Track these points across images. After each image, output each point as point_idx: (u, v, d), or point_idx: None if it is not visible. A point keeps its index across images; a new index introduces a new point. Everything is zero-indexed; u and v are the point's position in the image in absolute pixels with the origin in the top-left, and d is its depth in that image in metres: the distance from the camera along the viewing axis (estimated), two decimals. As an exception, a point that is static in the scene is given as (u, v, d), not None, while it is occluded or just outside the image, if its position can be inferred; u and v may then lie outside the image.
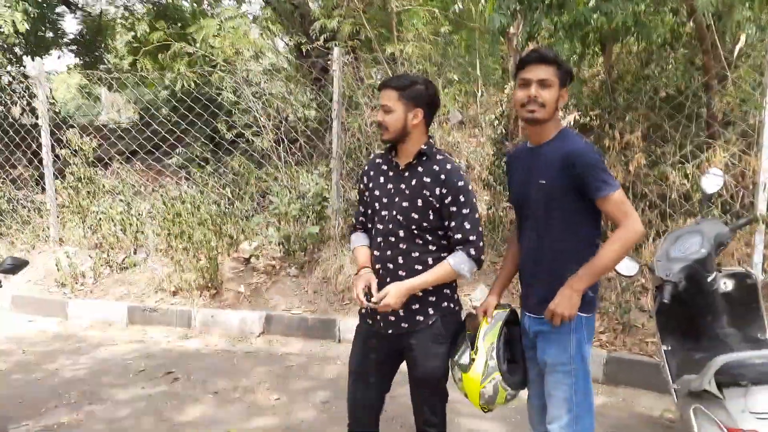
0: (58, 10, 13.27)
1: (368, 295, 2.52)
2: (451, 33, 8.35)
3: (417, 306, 2.55)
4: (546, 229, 2.37)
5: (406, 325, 2.57)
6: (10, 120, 7.79)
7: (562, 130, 2.41)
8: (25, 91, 7.44)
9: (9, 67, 9.81)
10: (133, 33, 13.63)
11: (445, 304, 2.60)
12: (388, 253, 2.56)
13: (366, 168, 2.77)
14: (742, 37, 4.71)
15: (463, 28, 7.68)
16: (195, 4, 12.32)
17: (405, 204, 2.53)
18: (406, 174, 2.57)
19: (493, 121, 6.18)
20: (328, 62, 6.25)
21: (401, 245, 2.54)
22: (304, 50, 7.02)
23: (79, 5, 14.66)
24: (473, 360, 2.43)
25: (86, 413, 4.02)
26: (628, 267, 2.94)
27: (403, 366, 2.71)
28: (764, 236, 4.46)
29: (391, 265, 2.55)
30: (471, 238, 2.50)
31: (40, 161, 7.42)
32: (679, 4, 5.00)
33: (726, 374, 2.27)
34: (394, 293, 2.45)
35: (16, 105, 7.33)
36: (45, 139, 7.19)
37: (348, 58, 6.19)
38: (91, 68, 12.77)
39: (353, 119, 6.18)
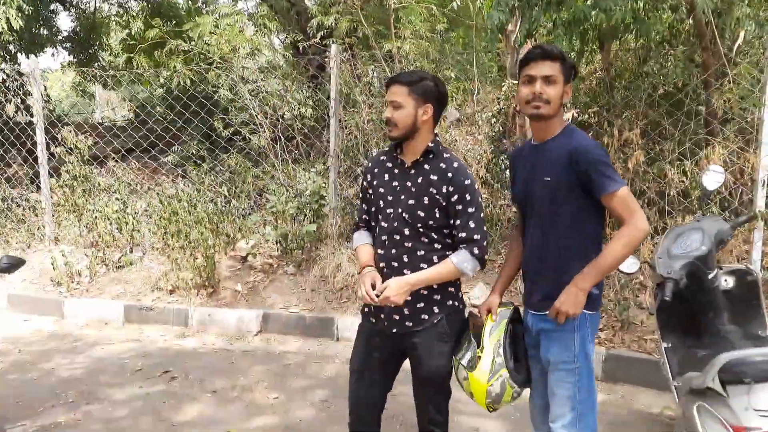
0: (52, 7, 13.21)
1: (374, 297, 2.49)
2: (447, 30, 8.34)
3: (422, 305, 2.53)
4: (551, 226, 2.36)
5: (411, 324, 2.55)
6: (5, 118, 7.73)
7: (567, 126, 2.40)
8: (19, 89, 7.37)
9: (3, 65, 9.74)
10: (127, 30, 13.59)
11: (450, 302, 2.59)
12: (393, 251, 2.53)
13: (369, 165, 2.74)
14: (741, 34, 4.70)
15: (460, 25, 7.66)
16: (190, 2, 12.29)
17: (411, 202, 2.51)
18: (413, 172, 2.54)
19: (490, 118, 6.17)
20: (325, 59, 6.22)
21: (406, 243, 2.51)
22: (300, 47, 6.98)
23: (73, 2, 14.58)
24: (479, 358, 2.41)
25: (83, 413, 3.99)
26: (629, 264, 2.94)
27: (404, 365, 2.69)
28: (763, 233, 4.45)
29: (396, 264, 2.52)
30: (475, 237, 2.48)
31: (35, 159, 7.37)
32: (678, 1, 4.99)
33: (729, 372, 2.26)
34: (394, 287, 2.42)
35: (10, 103, 7.25)
36: (40, 137, 7.14)
37: (345, 55, 6.16)
38: (86, 66, 12.72)
39: (351, 117, 6.15)
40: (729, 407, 2.25)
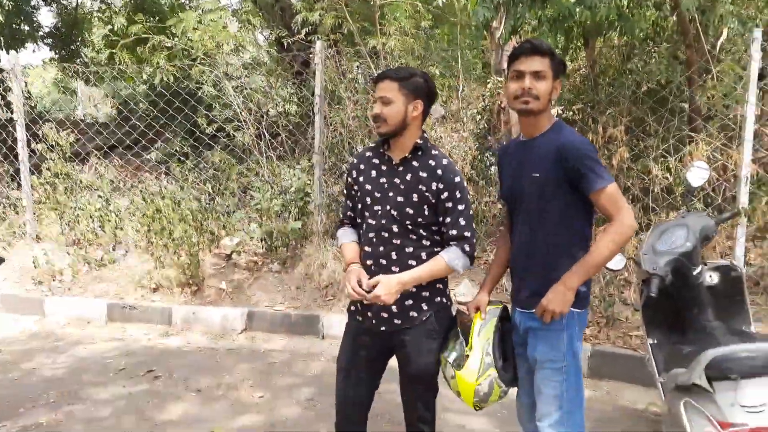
0: (33, 2, 13.00)
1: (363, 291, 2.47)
2: (432, 27, 8.32)
3: (411, 302, 2.52)
4: (539, 222, 2.34)
5: (400, 322, 2.53)
6: (-15, 114, 7.60)
7: (555, 122, 2.38)
8: (-1, 85, 7.25)
9: (-18, 61, 9.56)
10: (110, 26, 13.41)
11: (438, 299, 2.57)
12: (381, 248, 2.51)
13: (354, 162, 2.70)
14: (725, 32, 4.73)
15: (445, 22, 7.65)
16: (173, -3, 12.15)
17: (400, 199, 2.48)
18: (401, 168, 2.52)
19: (475, 115, 6.16)
20: (310, 56, 6.17)
21: (395, 240, 2.49)
22: (285, 44, 6.92)
23: (55, -2, 14.38)
24: (467, 357, 2.39)
25: (65, 413, 3.93)
26: (615, 261, 2.94)
27: (391, 362, 2.67)
28: (746, 229, 4.49)
29: (384, 261, 2.50)
30: (466, 234, 2.48)
31: (16, 156, 7.25)
32: (662, -1, 5.03)
33: (715, 368, 2.26)
34: (385, 285, 2.39)
35: (-10, 99, 7.14)
36: (20, 134, 7.02)
37: (330, 51, 6.12)
38: (68, 62, 12.53)
39: (336, 114, 6.11)
40: (715, 403, 2.25)
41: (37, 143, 7.06)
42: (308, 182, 5.91)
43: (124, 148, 7.53)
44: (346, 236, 2.70)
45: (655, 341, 3.00)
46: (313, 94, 6.03)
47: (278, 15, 7.97)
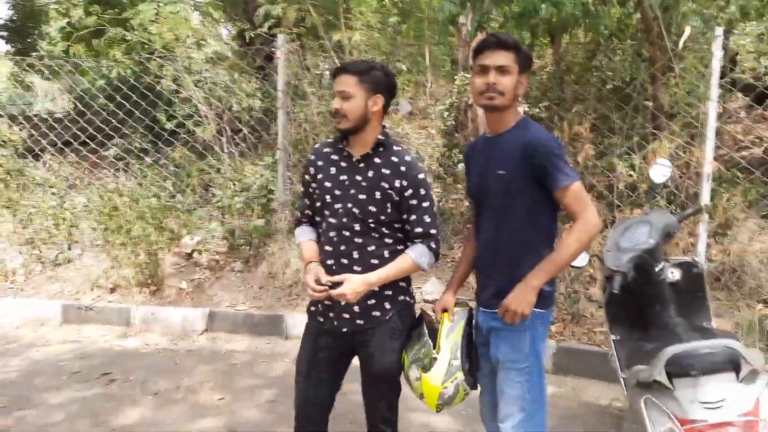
0: (-14, -7, 12.58)
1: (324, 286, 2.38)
2: (401, 23, 8.27)
3: (373, 301, 2.45)
4: (505, 219, 2.29)
5: (362, 322, 2.46)
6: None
7: (522, 118, 2.33)
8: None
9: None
10: (68, 19, 13.03)
11: (402, 297, 2.52)
12: (342, 248, 2.43)
13: (312, 158, 2.61)
14: (687, 29, 4.77)
15: (411, 17, 7.59)
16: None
17: (362, 196, 2.41)
18: (362, 165, 2.45)
19: (443, 112, 6.11)
20: (272, 50, 6.04)
21: (356, 239, 2.42)
22: (246, 37, 6.77)
23: (10, -11, 13.94)
24: (434, 359, 2.33)
25: (16, 419, 3.78)
26: (579, 258, 2.88)
27: (353, 362, 2.61)
28: (708, 226, 4.53)
29: (345, 261, 2.43)
30: (431, 231, 2.44)
31: (-35, 152, 6.99)
32: (626, -4, 5.04)
33: (676, 365, 2.26)
34: (352, 284, 2.32)
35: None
36: (-30, 129, 6.77)
37: (293, 45, 6.01)
38: (23, 55, 12.13)
39: (299, 109, 6.01)
40: (675, 400, 2.24)
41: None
42: (271, 179, 5.78)
43: (81, 143, 7.28)
44: (304, 234, 2.62)
45: (618, 338, 2.99)
46: (275, 89, 5.91)
47: (241, 8, 7.81)
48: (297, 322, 5.04)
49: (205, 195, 6.53)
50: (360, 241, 2.42)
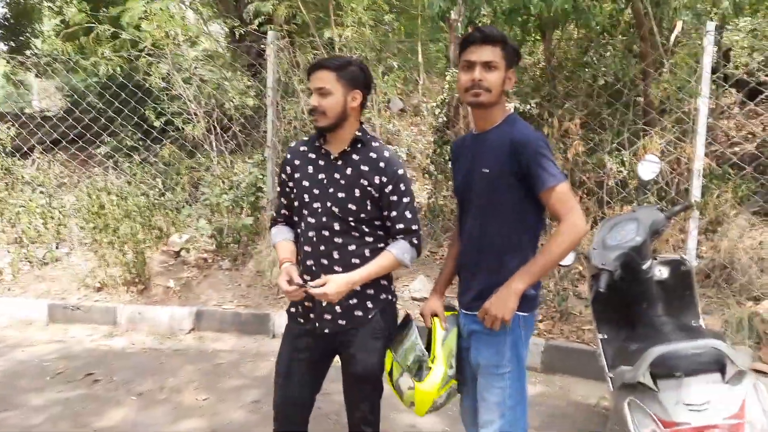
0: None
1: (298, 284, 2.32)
2: (395, 19, 8.20)
3: (355, 301, 2.40)
4: (489, 218, 2.22)
5: (344, 322, 2.41)
6: None
7: (509, 115, 2.26)
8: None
9: None
10: (61, 17, 12.95)
11: (384, 296, 2.47)
12: (322, 248, 2.38)
13: (288, 157, 2.55)
14: (679, 24, 4.72)
15: (403, 13, 7.53)
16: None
17: (341, 195, 2.36)
18: (340, 163, 2.40)
19: (434, 108, 6.05)
20: (262, 47, 5.98)
21: (336, 239, 2.37)
22: (237, 34, 6.70)
23: (3, -14, 13.85)
24: (430, 368, 2.25)
25: (-4, 421, 3.71)
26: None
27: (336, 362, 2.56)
28: (698, 222, 4.48)
29: (325, 261, 2.37)
30: (413, 227, 2.40)
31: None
32: (617, -9, 4.99)
33: (660, 366, 2.21)
34: (336, 285, 2.26)
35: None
36: (-43, 127, 6.71)
37: (284, 42, 5.94)
38: (17, 54, 12.05)
39: (289, 106, 5.94)
40: (659, 402, 2.19)
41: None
42: (260, 177, 5.72)
43: (68, 141, 7.22)
44: (280, 234, 2.57)
45: (606, 336, 2.94)
46: (265, 87, 5.85)
47: (232, 5, 7.74)
48: (284, 320, 4.84)
49: (195, 193, 6.47)
50: (340, 240, 2.37)
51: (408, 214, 2.39)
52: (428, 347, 2.34)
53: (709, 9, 4.91)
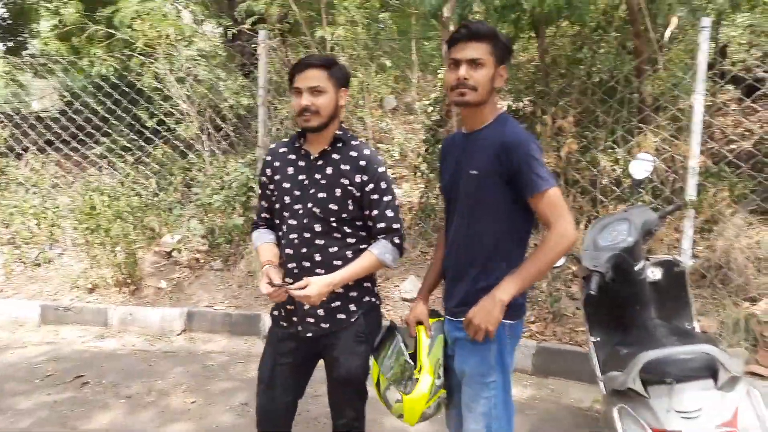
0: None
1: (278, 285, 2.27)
2: (392, 18, 8.13)
3: (338, 303, 2.36)
4: (476, 221, 2.14)
5: (328, 326, 2.37)
6: None
7: (500, 114, 2.17)
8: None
9: None
10: (59, 17, 12.90)
11: (367, 298, 2.44)
12: (304, 250, 2.33)
13: (268, 159, 2.51)
14: (674, 20, 4.65)
15: (400, 12, 7.47)
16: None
17: (322, 195, 2.32)
18: (320, 163, 2.36)
19: (427, 107, 5.99)
20: (254, 47, 5.92)
21: (318, 241, 2.32)
22: (230, 34, 6.65)
23: (0, -14, 13.80)
24: (417, 379, 2.19)
25: (-18, 425, 3.67)
26: (554, 260, 2.79)
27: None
28: (694, 221, 4.42)
29: (307, 264, 2.33)
30: (394, 226, 2.36)
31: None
32: (611, -14, 4.92)
33: (651, 371, 2.15)
34: (316, 287, 2.22)
35: None
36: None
37: (276, 42, 5.89)
38: (15, 54, 11.99)
39: (281, 105, 5.89)
40: (650, 409, 2.13)
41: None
42: (252, 177, 5.67)
43: (62, 142, 7.17)
44: (262, 237, 2.53)
45: (598, 339, 2.88)
46: (257, 86, 5.79)
47: (225, 4, 7.67)
48: (275, 322, 4.94)
49: (188, 193, 6.41)
50: (322, 242, 2.33)
51: (389, 213, 2.35)
52: (415, 355, 2.28)
53: (704, 5, 4.84)
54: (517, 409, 3.60)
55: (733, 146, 5.18)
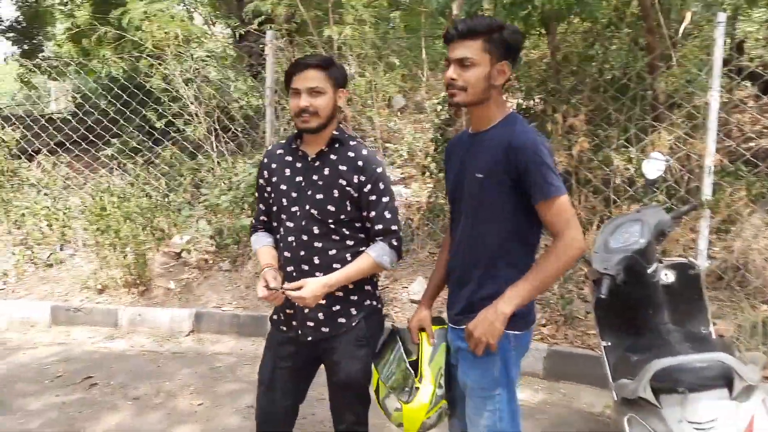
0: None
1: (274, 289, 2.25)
2: (403, 16, 8.07)
3: (338, 307, 2.33)
4: (481, 225, 2.04)
5: (328, 330, 2.34)
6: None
7: (509, 115, 2.06)
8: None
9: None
10: (73, 19, 13.01)
11: (368, 302, 2.39)
12: (302, 253, 2.30)
13: (265, 161, 2.48)
14: (688, 16, 4.54)
15: (410, 11, 7.42)
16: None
17: (319, 196, 2.28)
18: (318, 164, 2.32)
19: (436, 105, 5.93)
20: (261, 47, 5.90)
21: (316, 243, 2.29)
22: (237, 34, 6.64)
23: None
24: (417, 388, 2.13)
25: (-10, 425, 3.68)
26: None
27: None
28: (710, 222, 4.32)
29: (306, 267, 2.29)
30: (392, 228, 2.31)
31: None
32: (623, -19, 4.83)
33: (663, 380, 2.07)
34: (311, 288, 2.18)
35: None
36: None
37: (283, 42, 5.86)
38: (30, 57, 12.11)
39: (289, 106, 5.85)
40: (662, 419, 2.04)
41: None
42: (259, 177, 5.65)
43: (72, 143, 7.22)
44: (260, 240, 2.50)
45: (609, 343, 2.80)
46: (264, 86, 5.77)
47: (234, 4, 7.65)
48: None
49: (197, 194, 6.41)
50: (320, 245, 2.29)
51: (387, 215, 2.30)
52: (417, 363, 2.22)
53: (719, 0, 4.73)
54: (527, 414, 3.57)
55: (750, 144, 5.07)
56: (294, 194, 2.33)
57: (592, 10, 4.45)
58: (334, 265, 2.28)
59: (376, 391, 2.31)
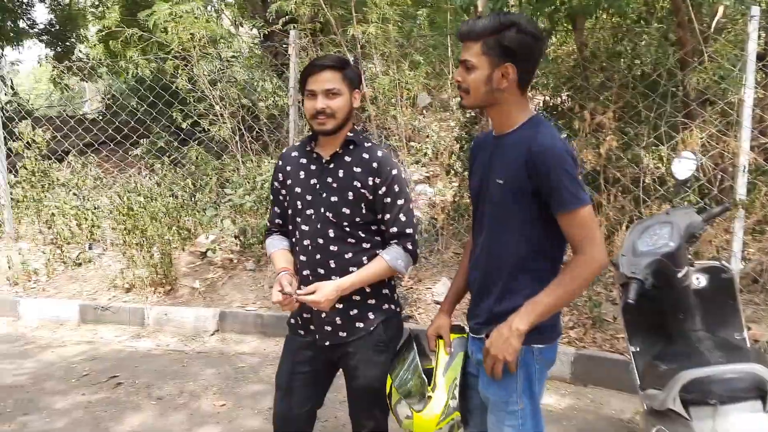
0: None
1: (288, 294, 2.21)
2: (429, 15, 8.02)
3: (355, 311, 2.29)
4: (502, 233, 1.95)
5: (345, 334, 2.31)
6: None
7: (531, 118, 1.94)
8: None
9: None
10: (104, 22, 13.22)
11: (386, 306, 2.35)
12: (318, 256, 2.27)
13: (279, 163, 2.45)
14: (720, 9, 4.40)
15: (433, 7, 7.35)
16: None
17: (334, 199, 2.25)
18: (332, 166, 2.29)
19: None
20: (285, 47, 5.90)
21: (332, 247, 2.26)
22: (262, 35, 6.65)
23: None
24: (429, 397, 2.07)
25: (19, 424, 3.73)
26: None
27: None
28: (744, 222, 4.18)
29: (322, 270, 2.27)
30: (407, 231, 2.27)
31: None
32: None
33: (693, 391, 1.99)
34: (324, 292, 2.16)
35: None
36: (-2, 131, 6.87)
37: (307, 41, 5.85)
38: (63, 59, 12.33)
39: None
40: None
41: (13, 141, 6.92)
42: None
43: (101, 144, 7.33)
44: (275, 244, 2.46)
45: (638, 349, 2.71)
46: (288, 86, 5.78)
47: (259, 5, 7.67)
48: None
49: (222, 194, 6.46)
50: (336, 248, 2.26)
51: (402, 218, 2.26)
52: (432, 370, 2.15)
53: (754, -8, 4.56)
54: (554, 419, 3.49)
55: (788, 141, 4.89)
56: (309, 197, 2.30)
57: (621, 4, 4.34)
58: (351, 269, 2.25)
59: (389, 396, 2.26)
